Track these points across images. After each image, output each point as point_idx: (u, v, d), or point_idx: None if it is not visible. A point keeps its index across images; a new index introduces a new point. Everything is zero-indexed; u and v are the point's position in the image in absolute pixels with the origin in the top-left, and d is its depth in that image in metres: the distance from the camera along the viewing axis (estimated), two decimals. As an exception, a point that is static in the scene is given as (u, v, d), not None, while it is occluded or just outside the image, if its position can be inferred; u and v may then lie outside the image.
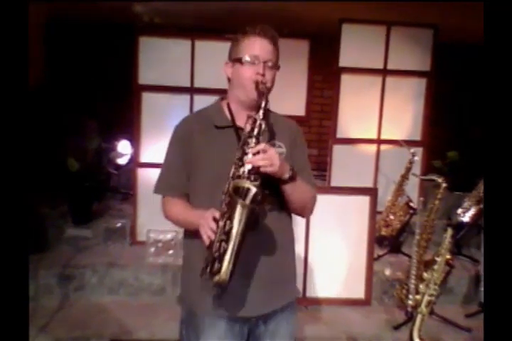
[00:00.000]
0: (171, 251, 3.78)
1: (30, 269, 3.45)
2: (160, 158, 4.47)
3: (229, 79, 1.77)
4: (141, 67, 4.06)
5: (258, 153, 1.51)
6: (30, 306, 3.26)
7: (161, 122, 4.10)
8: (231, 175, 1.56)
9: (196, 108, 4.05)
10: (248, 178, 1.51)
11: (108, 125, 5.13)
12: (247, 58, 1.66)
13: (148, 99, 4.10)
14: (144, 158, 4.13)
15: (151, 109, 4.10)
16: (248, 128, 1.58)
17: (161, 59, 4.07)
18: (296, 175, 1.62)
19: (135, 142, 4.20)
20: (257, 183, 1.51)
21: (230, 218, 1.45)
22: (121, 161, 5.01)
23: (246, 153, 1.54)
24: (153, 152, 4.09)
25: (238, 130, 1.70)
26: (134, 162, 4.26)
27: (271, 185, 1.61)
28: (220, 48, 4.05)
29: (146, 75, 4.06)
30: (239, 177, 1.53)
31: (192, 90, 4.11)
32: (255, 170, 1.52)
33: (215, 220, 1.49)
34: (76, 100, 5.28)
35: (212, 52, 4.07)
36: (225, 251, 1.45)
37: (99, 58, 5.47)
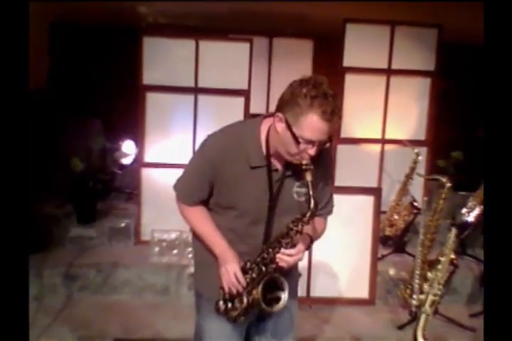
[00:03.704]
0: (175, 251, 3.79)
1: (35, 268, 3.46)
2: (163, 158, 4.44)
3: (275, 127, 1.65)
4: (145, 67, 4.06)
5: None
6: (35, 305, 3.28)
7: (165, 122, 4.10)
8: (259, 258, 1.70)
9: (200, 108, 4.08)
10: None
11: (112, 125, 5.14)
12: (302, 140, 1.57)
13: (152, 99, 4.10)
14: (148, 157, 4.13)
15: (155, 109, 4.10)
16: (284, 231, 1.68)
17: (165, 59, 4.07)
18: (312, 242, 1.78)
19: (139, 142, 4.20)
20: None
21: (254, 288, 1.68)
22: (126, 161, 5.01)
23: (278, 251, 1.66)
24: (157, 152, 4.09)
25: (271, 171, 1.72)
26: (139, 162, 4.27)
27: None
28: (224, 48, 4.10)
29: (150, 75, 4.06)
30: (264, 261, 1.70)
31: (196, 90, 4.10)
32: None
33: (236, 278, 1.70)
34: (80, 100, 5.29)
35: (217, 52, 4.06)
36: (242, 300, 1.71)
37: (104, 58, 5.48)
